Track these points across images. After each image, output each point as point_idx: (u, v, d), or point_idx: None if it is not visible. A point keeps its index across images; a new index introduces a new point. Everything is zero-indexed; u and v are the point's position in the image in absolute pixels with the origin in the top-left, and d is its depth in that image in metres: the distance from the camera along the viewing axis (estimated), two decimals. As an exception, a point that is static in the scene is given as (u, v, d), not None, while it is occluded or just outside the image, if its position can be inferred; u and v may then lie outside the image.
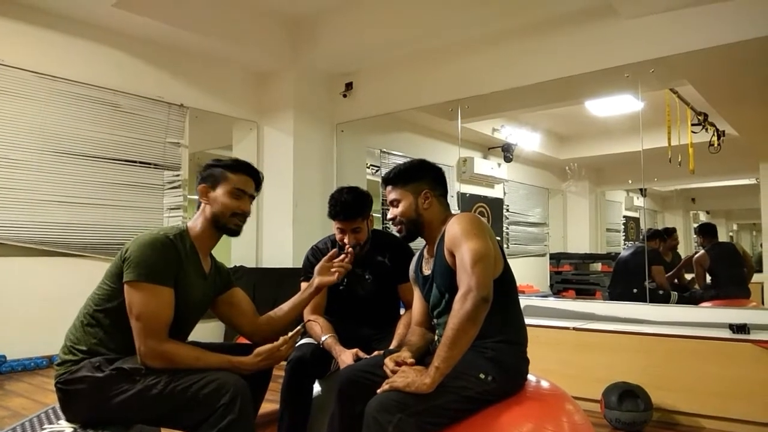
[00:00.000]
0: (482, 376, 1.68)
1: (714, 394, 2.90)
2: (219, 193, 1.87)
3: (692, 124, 4.61)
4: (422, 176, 1.97)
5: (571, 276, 6.17)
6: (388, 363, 1.74)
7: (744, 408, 2.82)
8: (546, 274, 6.43)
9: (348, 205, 2.31)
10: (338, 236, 2.38)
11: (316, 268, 2.13)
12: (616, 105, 5.04)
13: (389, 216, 1.98)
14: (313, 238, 2.64)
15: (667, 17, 3.53)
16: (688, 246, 5.79)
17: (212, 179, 1.88)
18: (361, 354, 2.13)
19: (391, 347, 2.17)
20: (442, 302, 1.86)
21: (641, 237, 5.29)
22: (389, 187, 1.98)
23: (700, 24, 3.42)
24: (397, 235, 2.00)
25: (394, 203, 1.96)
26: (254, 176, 1.95)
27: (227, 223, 1.88)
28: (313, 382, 2.28)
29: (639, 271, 4.12)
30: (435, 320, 1.95)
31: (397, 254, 2.42)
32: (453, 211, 1.97)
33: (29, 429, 1.74)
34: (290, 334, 1.81)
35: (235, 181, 1.89)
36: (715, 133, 4.66)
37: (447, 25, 4.20)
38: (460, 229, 1.74)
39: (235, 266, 4.68)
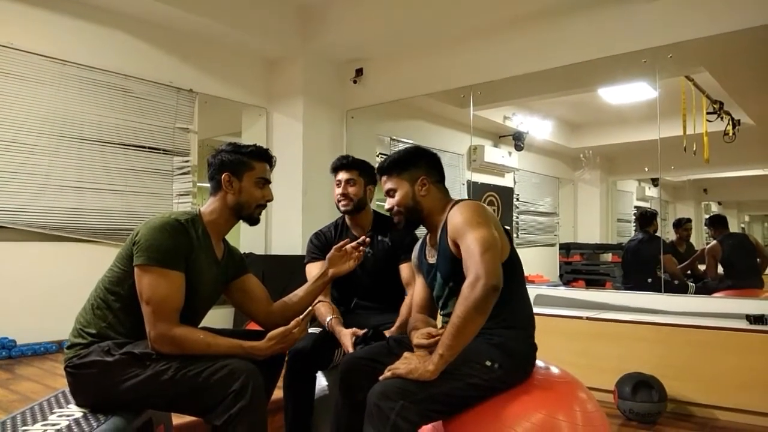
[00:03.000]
0: (488, 363, 1.65)
1: (730, 385, 2.86)
2: (246, 184, 1.86)
3: (707, 113, 4.53)
4: (417, 163, 1.92)
5: (581, 266, 6.10)
6: (422, 340, 1.69)
7: (761, 400, 2.79)
8: (556, 263, 6.37)
9: (347, 156, 2.53)
10: (336, 192, 2.48)
11: (327, 257, 2.11)
12: (629, 93, 4.95)
13: (386, 206, 1.95)
14: (322, 225, 2.64)
15: (686, 0, 3.45)
16: (699, 237, 5.72)
17: (235, 167, 1.85)
18: (359, 332, 2.13)
19: (393, 329, 2.17)
20: (445, 290, 1.84)
21: (639, 225, 5.22)
22: (384, 177, 1.95)
23: (721, 7, 3.34)
24: (398, 225, 1.96)
25: (390, 193, 1.92)
26: (270, 161, 1.93)
27: (252, 213, 1.90)
28: (315, 373, 2.27)
29: (650, 260, 4.06)
30: (440, 311, 1.93)
31: (397, 234, 2.45)
32: (456, 198, 1.92)
33: (39, 413, 1.72)
34: (302, 316, 1.79)
35: (259, 170, 1.88)
36: (731, 122, 4.58)
37: (459, 9, 4.14)
38: (464, 219, 1.70)
39: (245, 253, 4.66)
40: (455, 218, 1.74)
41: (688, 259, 4.69)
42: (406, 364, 1.59)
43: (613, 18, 3.74)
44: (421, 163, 1.92)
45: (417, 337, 1.72)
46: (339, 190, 2.46)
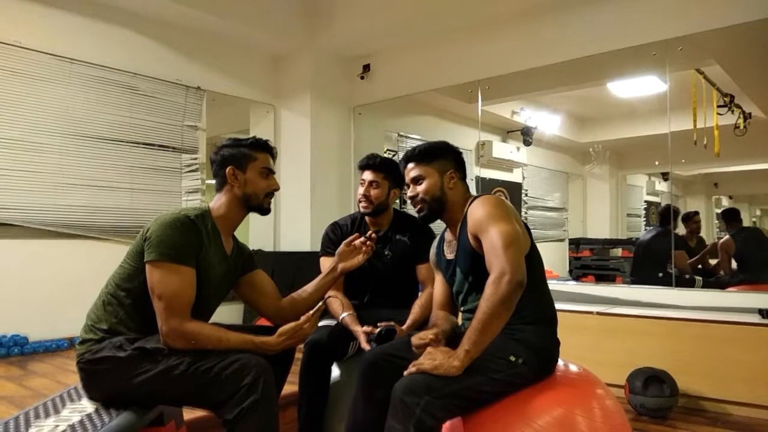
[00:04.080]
0: (512, 358, 1.64)
1: (742, 379, 2.83)
2: (250, 175, 1.86)
3: (718, 106, 4.48)
4: (447, 156, 1.92)
5: (591, 261, 6.07)
6: (415, 339, 1.70)
7: (774, 394, 2.76)
8: (565, 259, 6.34)
9: (375, 156, 2.43)
10: (359, 191, 2.42)
11: (337, 251, 2.10)
12: (638, 86, 4.92)
13: (409, 194, 1.92)
14: (330, 221, 2.62)
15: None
16: (710, 231, 5.67)
17: (238, 160, 1.86)
18: (369, 330, 2.13)
19: (404, 328, 2.16)
20: (465, 285, 1.82)
21: (659, 220, 5.18)
22: (411, 164, 1.92)
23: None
24: (417, 215, 1.94)
25: (417, 180, 1.89)
26: (271, 152, 1.94)
27: (262, 204, 1.90)
28: (331, 365, 2.27)
29: (661, 255, 4.03)
30: (460, 307, 1.92)
31: (417, 234, 2.41)
32: (473, 194, 1.92)
33: (51, 408, 1.73)
34: (312, 311, 1.78)
35: (262, 161, 1.88)
36: (741, 116, 4.54)
37: (467, 3, 4.11)
38: (485, 213, 1.69)
39: (254, 250, 4.67)
40: (476, 212, 1.73)
41: (698, 253, 4.65)
42: (431, 360, 1.58)
43: (622, 10, 3.71)
44: (450, 157, 1.92)
45: (415, 337, 1.72)
46: (361, 191, 2.40)
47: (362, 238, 2.10)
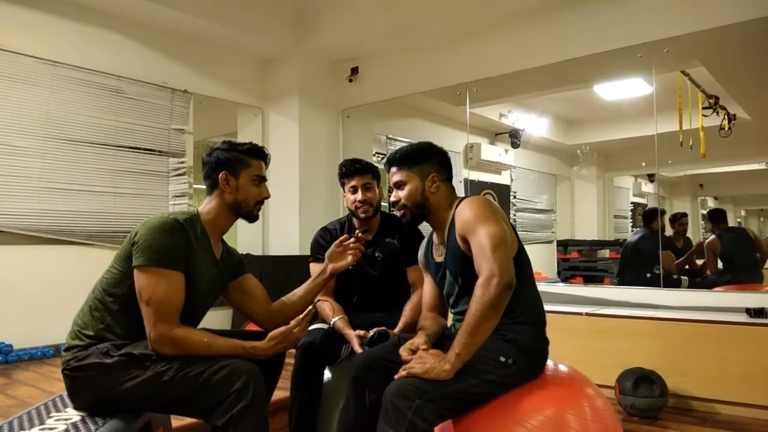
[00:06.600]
0: (502, 359, 1.64)
1: (731, 379, 2.85)
2: (242, 181, 1.84)
3: (703, 108, 4.53)
4: (430, 159, 1.90)
5: (579, 263, 6.11)
6: (403, 352, 1.70)
7: (762, 393, 2.78)
8: (553, 260, 6.37)
9: (358, 161, 2.41)
10: (351, 199, 2.39)
11: (327, 254, 2.10)
12: (625, 88, 4.97)
13: (392, 199, 1.91)
14: (319, 225, 2.61)
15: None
16: (696, 232, 5.73)
17: (232, 165, 1.83)
18: (362, 333, 2.14)
19: (396, 330, 2.15)
20: (456, 288, 1.82)
21: (643, 222, 5.22)
22: (394, 169, 1.91)
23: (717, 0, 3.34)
24: (401, 219, 1.94)
25: (399, 185, 1.89)
26: (265, 159, 1.92)
27: (252, 211, 1.88)
28: (324, 368, 2.26)
29: (649, 255, 4.06)
30: (450, 309, 1.91)
31: (406, 235, 2.41)
32: (460, 195, 1.91)
33: (36, 417, 1.70)
34: (302, 314, 1.77)
35: (255, 168, 1.86)
36: (726, 117, 4.59)
37: (455, 6, 4.12)
38: (473, 214, 1.69)
39: (242, 254, 4.62)
40: (464, 213, 1.72)
41: (685, 254, 4.69)
42: (422, 364, 1.57)
43: (608, 13, 3.73)
44: (433, 160, 1.90)
45: (402, 349, 1.71)
46: (358, 197, 2.36)
47: (352, 238, 2.10)
